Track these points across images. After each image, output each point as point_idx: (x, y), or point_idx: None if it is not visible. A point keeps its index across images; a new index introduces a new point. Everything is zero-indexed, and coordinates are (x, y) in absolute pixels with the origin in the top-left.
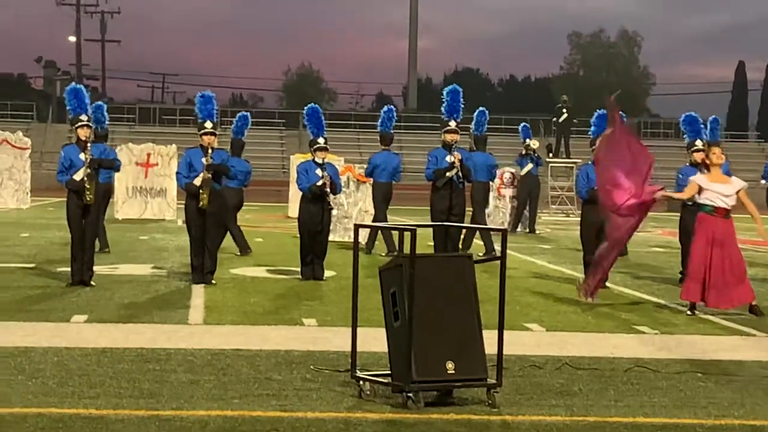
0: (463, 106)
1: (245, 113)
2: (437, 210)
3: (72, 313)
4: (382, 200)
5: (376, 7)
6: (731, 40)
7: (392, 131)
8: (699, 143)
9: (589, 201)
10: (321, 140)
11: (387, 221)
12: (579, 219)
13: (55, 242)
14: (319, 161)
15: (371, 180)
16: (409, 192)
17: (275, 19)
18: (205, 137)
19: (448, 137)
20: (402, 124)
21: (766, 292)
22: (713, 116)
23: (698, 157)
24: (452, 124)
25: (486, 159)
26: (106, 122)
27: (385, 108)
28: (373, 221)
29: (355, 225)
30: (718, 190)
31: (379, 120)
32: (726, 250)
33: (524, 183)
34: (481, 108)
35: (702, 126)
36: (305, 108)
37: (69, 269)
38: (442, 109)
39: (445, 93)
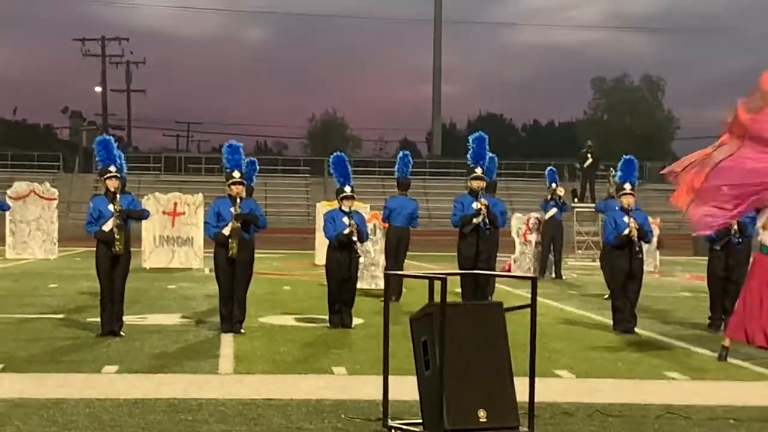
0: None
1: (252, 159)
2: (464, 257)
3: (103, 363)
4: (395, 245)
5: (400, 53)
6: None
7: (409, 176)
8: (628, 187)
9: (616, 246)
10: (348, 188)
11: (402, 268)
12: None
13: (83, 292)
14: (346, 209)
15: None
16: (435, 238)
17: (298, 67)
18: (233, 187)
19: (475, 184)
20: (427, 170)
21: None
22: None
23: (625, 201)
24: (478, 170)
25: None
26: (125, 171)
27: (401, 154)
28: (387, 268)
29: (385, 273)
30: None
31: (396, 165)
32: None
33: (547, 228)
34: (491, 154)
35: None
36: (331, 156)
37: (98, 319)
38: (468, 156)
39: (470, 140)
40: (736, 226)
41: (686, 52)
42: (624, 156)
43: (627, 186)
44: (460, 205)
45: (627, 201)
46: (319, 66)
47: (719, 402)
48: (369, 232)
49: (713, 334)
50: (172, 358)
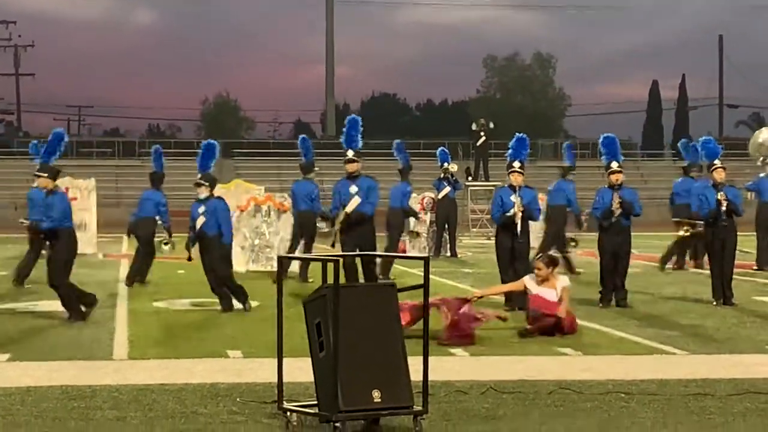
0: (362, 132)
1: (158, 146)
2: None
3: None
4: (298, 229)
5: (292, 34)
6: (645, 59)
7: (312, 159)
8: (615, 165)
9: (503, 225)
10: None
11: (311, 251)
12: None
13: None
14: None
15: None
16: None
17: (191, 49)
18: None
19: (349, 167)
20: (321, 150)
21: None
22: (707, 137)
23: (614, 178)
24: (350, 153)
25: (404, 186)
26: None
27: (300, 138)
28: (289, 250)
29: (279, 257)
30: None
31: (303, 152)
32: None
33: (441, 206)
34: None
35: (619, 148)
36: (201, 144)
37: None
38: (341, 139)
39: (345, 122)
40: (619, 207)
41: (575, 29)
42: (517, 134)
43: (516, 164)
44: (338, 192)
45: (516, 179)
46: (211, 48)
47: (610, 377)
48: (264, 212)
49: (604, 309)
50: (65, 345)
